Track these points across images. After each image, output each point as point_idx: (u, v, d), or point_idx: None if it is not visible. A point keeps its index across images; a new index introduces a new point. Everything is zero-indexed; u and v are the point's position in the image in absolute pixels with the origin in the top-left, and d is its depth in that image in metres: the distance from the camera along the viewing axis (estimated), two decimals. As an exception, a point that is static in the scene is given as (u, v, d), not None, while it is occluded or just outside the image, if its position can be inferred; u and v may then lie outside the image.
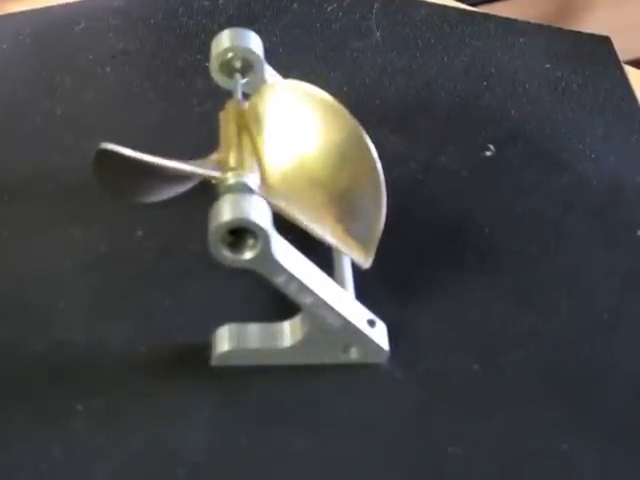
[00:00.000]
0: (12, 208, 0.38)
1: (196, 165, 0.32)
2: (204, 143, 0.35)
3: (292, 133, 0.32)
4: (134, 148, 0.41)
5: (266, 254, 0.29)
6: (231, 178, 0.30)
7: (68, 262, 0.36)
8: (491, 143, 0.42)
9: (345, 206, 0.32)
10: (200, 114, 0.43)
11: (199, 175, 0.31)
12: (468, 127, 0.43)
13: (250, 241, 0.29)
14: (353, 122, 0.32)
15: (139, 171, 0.30)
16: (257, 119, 0.32)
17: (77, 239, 0.37)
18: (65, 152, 0.41)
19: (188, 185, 0.34)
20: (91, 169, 0.30)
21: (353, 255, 0.31)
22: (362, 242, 0.31)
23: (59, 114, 0.43)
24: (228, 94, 0.35)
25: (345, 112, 0.32)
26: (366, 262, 0.31)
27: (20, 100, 0.44)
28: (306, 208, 0.31)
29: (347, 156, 0.32)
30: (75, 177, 0.38)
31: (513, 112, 0.44)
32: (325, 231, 0.31)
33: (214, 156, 0.33)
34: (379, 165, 0.32)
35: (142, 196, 0.33)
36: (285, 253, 0.30)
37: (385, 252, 0.32)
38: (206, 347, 0.32)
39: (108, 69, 0.46)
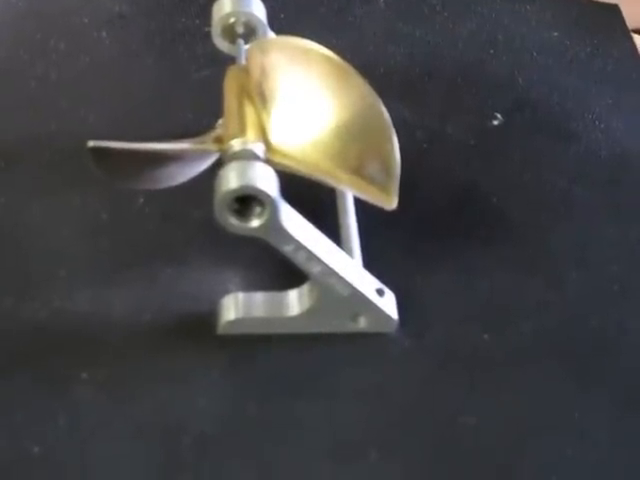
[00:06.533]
0: (9, 174, 0.37)
1: (196, 142, 0.31)
2: (203, 109, 0.34)
3: (295, 91, 0.31)
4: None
5: (274, 222, 0.28)
6: (236, 145, 0.29)
7: (68, 230, 0.35)
8: (498, 112, 0.41)
9: (357, 153, 0.31)
10: (199, 80, 0.42)
11: (198, 151, 0.30)
12: (475, 96, 0.42)
13: (257, 209, 0.28)
14: (351, 71, 0.31)
15: (138, 159, 0.30)
16: (259, 81, 0.31)
17: (77, 206, 0.36)
18: (61, 117, 0.40)
19: (203, 164, 0.33)
20: (92, 165, 0.29)
21: (375, 200, 0.30)
22: (381, 184, 0.30)
23: (54, 78, 0.42)
24: (228, 59, 0.34)
25: (339, 61, 0.31)
26: (390, 203, 0.30)
27: (14, 64, 0.43)
28: (318, 163, 0.30)
29: (352, 105, 0.31)
30: (72, 142, 0.37)
31: (521, 80, 0.43)
32: (341, 183, 0.30)
33: (216, 130, 0.32)
34: (383, 107, 0.31)
35: (153, 182, 0.32)
36: (293, 221, 0.29)
37: (393, 221, 0.31)
38: (211, 315, 0.32)
39: (104, 33, 0.45)
